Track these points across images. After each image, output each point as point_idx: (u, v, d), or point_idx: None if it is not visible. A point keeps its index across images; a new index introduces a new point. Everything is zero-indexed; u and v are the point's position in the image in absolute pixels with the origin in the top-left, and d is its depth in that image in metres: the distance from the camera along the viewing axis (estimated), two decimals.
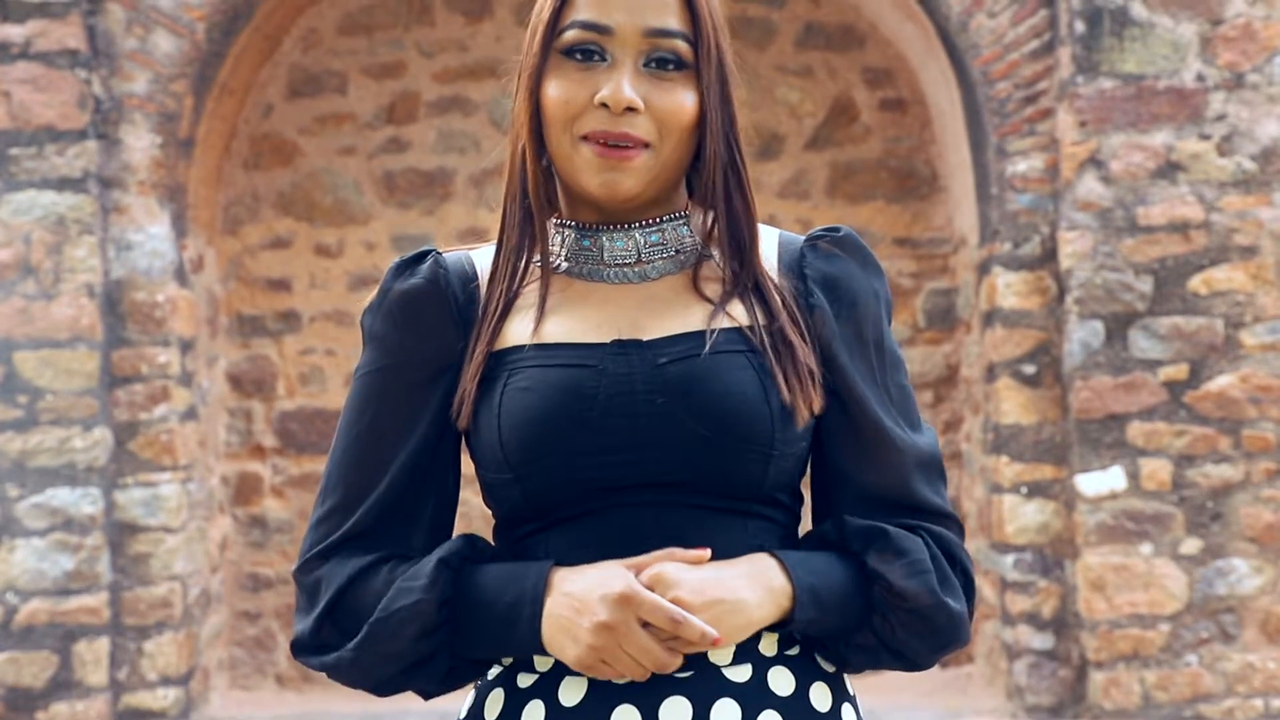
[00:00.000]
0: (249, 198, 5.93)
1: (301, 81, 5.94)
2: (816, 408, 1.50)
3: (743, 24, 5.94)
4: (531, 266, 1.55)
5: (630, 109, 1.47)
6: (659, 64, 1.49)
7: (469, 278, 1.56)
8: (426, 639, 1.48)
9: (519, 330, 1.52)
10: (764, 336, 1.50)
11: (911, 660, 1.53)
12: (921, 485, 1.54)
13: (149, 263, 5.09)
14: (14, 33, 4.95)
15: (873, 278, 1.57)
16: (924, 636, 1.51)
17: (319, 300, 5.94)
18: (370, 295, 1.59)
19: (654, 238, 1.55)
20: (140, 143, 5.08)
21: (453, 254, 1.58)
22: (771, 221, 6.15)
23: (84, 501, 4.96)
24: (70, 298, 4.98)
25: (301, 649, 1.53)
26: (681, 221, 1.56)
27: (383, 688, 1.51)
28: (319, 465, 5.92)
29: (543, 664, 1.49)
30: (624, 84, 1.47)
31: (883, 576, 1.49)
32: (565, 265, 1.56)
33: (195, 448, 5.37)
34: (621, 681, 1.44)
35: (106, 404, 5.03)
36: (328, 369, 5.94)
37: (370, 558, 1.51)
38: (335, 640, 1.51)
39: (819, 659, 1.53)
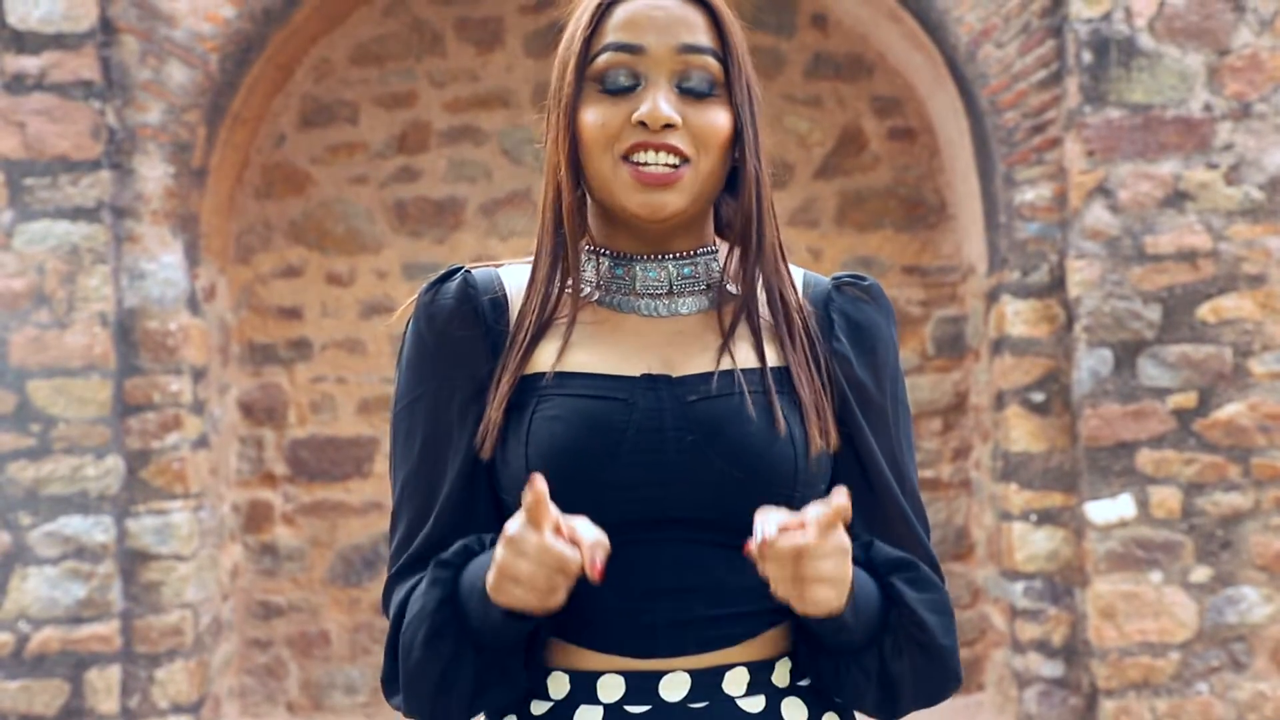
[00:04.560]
0: (261, 226, 5.96)
1: (313, 111, 5.98)
2: (830, 442, 1.51)
3: (752, 53, 5.95)
4: (564, 294, 1.55)
5: (668, 125, 1.48)
6: (693, 92, 1.50)
7: (498, 295, 1.56)
8: (438, 640, 1.47)
9: (548, 357, 1.52)
10: (789, 376, 1.51)
11: (894, 700, 1.53)
12: (918, 537, 1.57)
13: (161, 291, 5.12)
14: (29, 64, 5.00)
15: (892, 329, 1.60)
16: (924, 673, 1.52)
17: (330, 328, 5.97)
18: (390, 319, 1.60)
19: (687, 270, 1.55)
20: (153, 172, 5.11)
21: (482, 270, 1.59)
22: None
23: (96, 529, 4.98)
24: (83, 326, 5.01)
25: (383, 687, 1.55)
26: (712, 255, 1.57)
27: (434, 715, 1.50)
28: (330, 493, 5.94)
29: (557, 691, 1.50)
30: (660, 101, 1.48)
31: (906, 602, 1.49)
32: (597, 294, 1.56)
33: (207, 476, 5.39)
34: (534, 605, 1.39)
35: (119, 432, 5.05)
36: (339, 397, 5.96)
37: (414, 579, 1.52)
38: (398, 672, 1.52)
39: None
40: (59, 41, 4.99)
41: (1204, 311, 4.93)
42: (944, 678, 1.53)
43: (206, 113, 5.17)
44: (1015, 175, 5.08)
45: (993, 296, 5.28)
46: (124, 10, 5.04)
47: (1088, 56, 4.93)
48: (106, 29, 5.04)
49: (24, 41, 5.00)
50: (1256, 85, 4.93)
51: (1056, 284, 5.05)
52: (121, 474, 5.05)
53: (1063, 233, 5.03)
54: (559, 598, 1.38)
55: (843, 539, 1.37)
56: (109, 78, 5.04)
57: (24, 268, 5.00)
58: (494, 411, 1.50)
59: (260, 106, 5.74)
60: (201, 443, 5.33)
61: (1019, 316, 5.07)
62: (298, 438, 5.94)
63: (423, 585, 1.48)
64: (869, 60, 5.97)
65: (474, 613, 1.45)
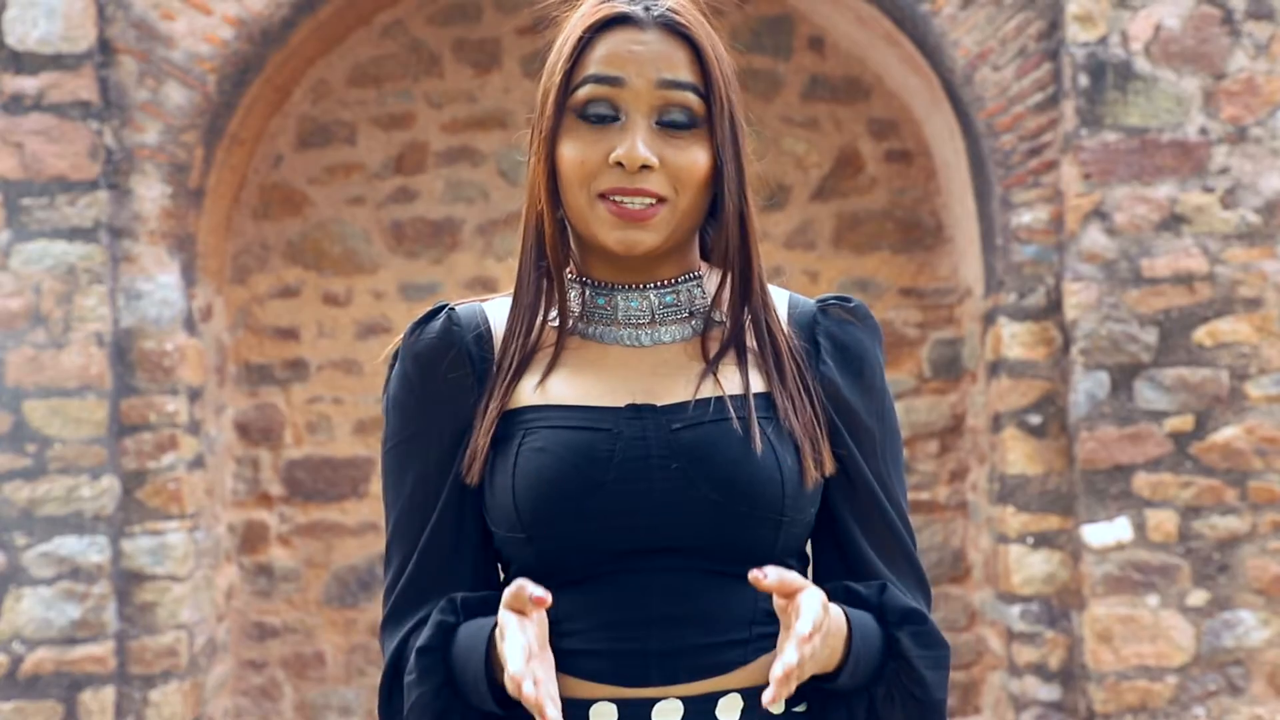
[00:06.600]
0: (258, 247, 5.97)
1: (311, 132, 5.99)
2: (827, 470, 1.51)
3: (749, 76, 5.99)
4: (546, 325, 1.55)
5: (645, 167, 1.47)
6: (672, 125, 1.49)
7: (483, 331, 1.56)
8: None
9: (533, 389, 1.53)
10: (776, 402, 1.51)
11: None
12: (910, 559, 1.57)
13: (158, 311, 5.12)
14: (28, 85, 5.00)
15: (879, 349, 1.60)
16: None
17: (327, 349, 5.96)
18: (386, 348, 1.60)
19: (669, 298, 1.55)
20: (151, 193, 5.11)
21: (466, 306, 1.58)
22: (778, 272, 6.09)
23: (91, 550, 4.97)
24: (80, 346, 5.00)
25: None
26: (696, 282, 1.57)
27: None
28: (326, 514, 5.93)
29: None
30: (638, 142, 1.47)
31: (908, 658, 1.50)
32: (580, 325, 1.55)
33: (202, 496, 5.38)
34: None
35: (114, 452, 5.04)
36: (335, 418, 5.95)
37: (407, 627, 1.54)
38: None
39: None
40: (57, 62, 5.00)
41: (1200, 335, 4.93)
42: None
43: (204, 133, 5.18)
44: (1012, 198, 5.09)
45: (989, 319, 5.28)
46: (122, 31, 5.05)
47: (1084, 80, 4.94)
48: (105, 50, 5.04)
49: (22, 62, 5.00)
50: (1252, 109, 4.94)
51: (1053, 307, 5.05)
52: (117, 494, 5.04)
53: (1059, 255, 5.03)
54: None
55: (822, 641, 1.38)
56: (107, 98, 5.05)
57: (21, 288, 5.00)
58: (480, 438, 1.50)
59: (258, 127, 5.75)
60: (197, 463, 5.32)
61: (1015, 339, 5.07)
62: (294, 458, 5.93)
63: (413, 672, 1.50)
64: (866, 83, 5.98)
65: (472, 695, 1.49)
